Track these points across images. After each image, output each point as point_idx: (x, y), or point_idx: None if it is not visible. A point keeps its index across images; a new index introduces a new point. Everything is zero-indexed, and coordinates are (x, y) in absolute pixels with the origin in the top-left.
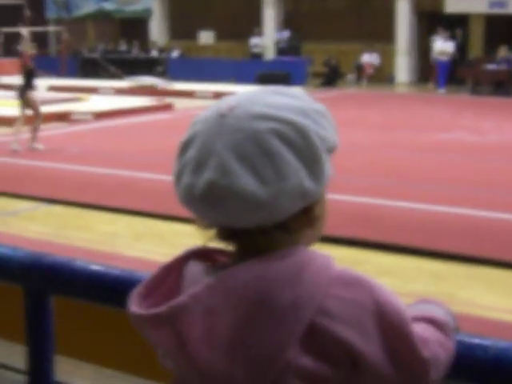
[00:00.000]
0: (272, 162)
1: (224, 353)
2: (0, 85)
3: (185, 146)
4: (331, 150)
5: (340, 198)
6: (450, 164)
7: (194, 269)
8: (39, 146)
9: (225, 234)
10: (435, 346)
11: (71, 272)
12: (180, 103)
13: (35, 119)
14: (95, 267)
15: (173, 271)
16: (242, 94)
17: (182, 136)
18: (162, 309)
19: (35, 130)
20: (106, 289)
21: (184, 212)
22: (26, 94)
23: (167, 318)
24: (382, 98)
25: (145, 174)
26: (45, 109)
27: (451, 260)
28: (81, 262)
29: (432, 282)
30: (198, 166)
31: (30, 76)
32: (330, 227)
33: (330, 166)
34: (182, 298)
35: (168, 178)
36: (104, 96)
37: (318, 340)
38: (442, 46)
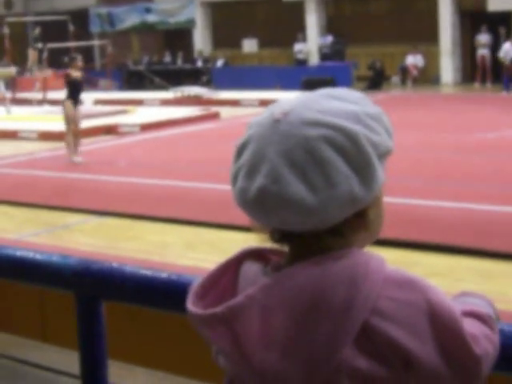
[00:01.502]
0: (322, 170)
1: (279, 352)
2: (46, 100)
3: (240, 150)
4: (385, 155)
5: (390, 200)
6: (499, 163)
7: (250, 269)
8: (78, 159)
9: (278, 236)
10: (484, 342)
11: (121, 277)
12: (226, 112)
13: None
14: (144, 272)
15: (228, 271)
16: (297, 98)
17: (238, 139)
18: (218, 309)
19: (71, 144)
20: (156, 293)
21: (234, 219)
22: (64, 104)
23: (224, 317)
24: (427, 99)
25: (194, 184)
26: (92, 122)
27: (501, 259)
28: (130, 267)
29: (482, 281)
30: (251, 170)
31: (72, 87)
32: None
33: (382, 171)
34: (238, 299)
35: (217, 186)
36: (150, 107)
37: (371, 341)
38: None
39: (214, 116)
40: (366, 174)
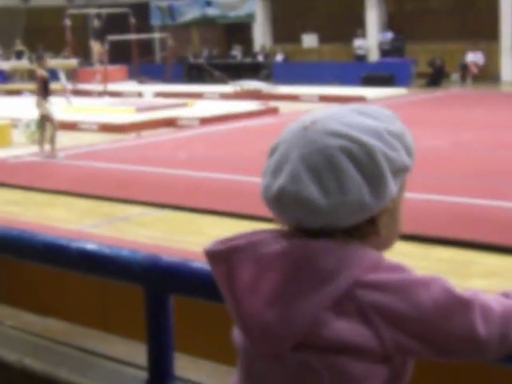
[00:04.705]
0: (337, 177)
1: (263, 300)
2: (108, 92)
3: (271, 151)
4: (401, 170)
5: (446, 199)
6: None
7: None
8: (59, 154)
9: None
10: (492, 305)
11: (189, 272)
12: (285, 107)
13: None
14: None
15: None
16: (327, 110)
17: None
18: (222, 246)
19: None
20: None
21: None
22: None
23: (224, 254)
24: (487, 97)
25: (252, 178)
26: (152, 115)
27: None
28: (198, 262)
29: None
30: (276, 170)
31: (43, 85)
32: (435, 227)
33: (396, 185)
34: (241, 241)
35: None
36: (209, 101)
37: (355, 306)
38: None
39: (274, 111)
40: (377, 185)
